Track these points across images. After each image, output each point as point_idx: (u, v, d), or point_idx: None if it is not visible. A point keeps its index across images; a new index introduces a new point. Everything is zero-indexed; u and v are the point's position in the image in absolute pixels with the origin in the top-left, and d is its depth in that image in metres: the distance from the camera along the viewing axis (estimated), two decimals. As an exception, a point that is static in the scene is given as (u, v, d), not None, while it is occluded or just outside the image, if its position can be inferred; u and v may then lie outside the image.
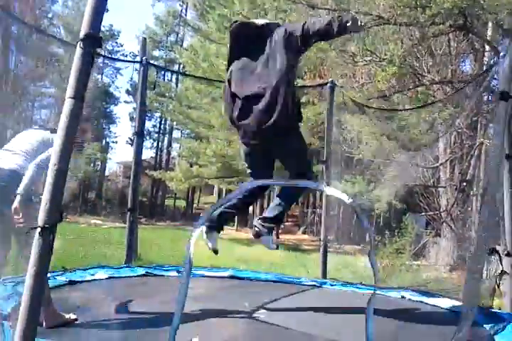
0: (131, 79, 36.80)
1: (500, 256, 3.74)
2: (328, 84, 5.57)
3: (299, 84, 14.28)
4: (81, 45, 1.64)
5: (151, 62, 5.97)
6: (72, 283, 3.89)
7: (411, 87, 9.81)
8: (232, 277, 4.86)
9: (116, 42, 36.50)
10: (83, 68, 1.65)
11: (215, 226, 3.48)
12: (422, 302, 4.17)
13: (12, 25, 3.82)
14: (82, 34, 1.65)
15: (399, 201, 14.63)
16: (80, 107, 1.68)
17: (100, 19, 1.68)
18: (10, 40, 3.66)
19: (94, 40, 1.65)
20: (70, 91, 1.68)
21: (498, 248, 3.76)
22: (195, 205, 39.06)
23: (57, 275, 3.94)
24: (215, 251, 3.46)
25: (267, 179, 3.40)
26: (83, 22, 1.66)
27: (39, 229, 1.71)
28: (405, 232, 13.51)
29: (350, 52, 8.79)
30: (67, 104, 1.66)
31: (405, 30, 8.54)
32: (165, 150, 39.10)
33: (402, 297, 4.36)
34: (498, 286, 3.78)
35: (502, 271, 3.75)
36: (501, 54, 3.68)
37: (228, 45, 3.60)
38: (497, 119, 3.38)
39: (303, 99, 19.52)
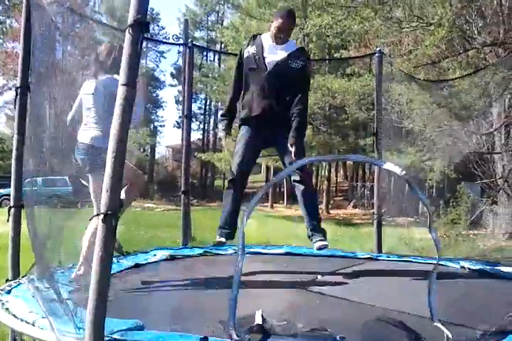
0: (175, 62, 37.10)
1: None
2: (376, 54, 5.32)
3: (344, 56, 14.00)
4: (130, 31, 1.64)
5: (194, 43, 5.93)
6: (138, 265, 4.02)
7: (461, 52, 9.39)
8: (287, 253, 4.88)
9: (158, 25, 36.73)
10: (133, 55, 1.65)
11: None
12: (483, 271, 4.07)
13: (56, 15, 3.83)
14: (130, 20, 1.63)
15: (452, 170, 14.26)
16: (134, 94, 1.69)
17: (147, 4, 1.66)
18: (55, 31, 3.69)
19: (142, 26, 1.64)
20: (122, 78, 1.68)
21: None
22: (244, 184, 39.27)
23: (121, 259, 4.06)
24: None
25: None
26: (130, 8, 1.65)
27: (102, 216, 1.73)
28: (460, 202, 13.19)
29: (395, 19, 8.47)
30: (121, 92, 1.67)
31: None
32: (211, 132, 39.40)
33: (462, 267, 4.26)
34: None
35: None
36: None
37: None
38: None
39: (348, 71, 19.13)
